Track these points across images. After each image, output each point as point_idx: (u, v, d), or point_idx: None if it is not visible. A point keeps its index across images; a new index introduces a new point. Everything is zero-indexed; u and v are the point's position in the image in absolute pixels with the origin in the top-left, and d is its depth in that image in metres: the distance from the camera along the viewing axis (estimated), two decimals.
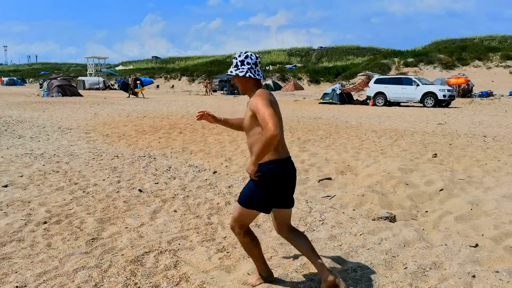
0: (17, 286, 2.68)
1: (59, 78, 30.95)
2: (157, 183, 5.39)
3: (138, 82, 28.71)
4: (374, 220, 3.97)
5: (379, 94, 21.58)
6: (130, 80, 29.29)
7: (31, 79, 66.95)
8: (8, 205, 4.33)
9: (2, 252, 3.19)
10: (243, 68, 2.47)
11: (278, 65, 58.16)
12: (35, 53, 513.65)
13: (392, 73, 39.12)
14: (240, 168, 6.18)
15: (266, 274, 2.71)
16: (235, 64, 2.50)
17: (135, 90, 27.81)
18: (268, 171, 2.39)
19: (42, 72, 72.19)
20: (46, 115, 14.37)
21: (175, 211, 4.25)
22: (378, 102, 21.57)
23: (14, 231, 3.63)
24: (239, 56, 2.50)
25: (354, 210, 4.28)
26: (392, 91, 21.20)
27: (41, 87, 33.52)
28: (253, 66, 2.48)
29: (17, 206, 4.31)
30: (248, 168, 2.35)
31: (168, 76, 54.86)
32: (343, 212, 4.23)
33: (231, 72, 2.51)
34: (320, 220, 3.99)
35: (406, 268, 2.94)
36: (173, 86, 49.76)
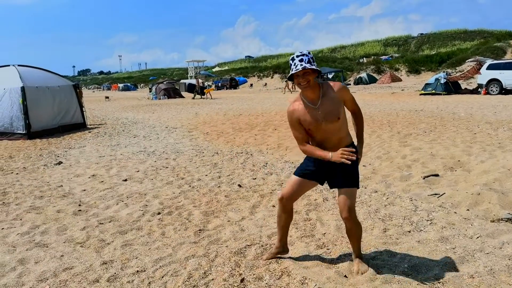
0: (137, 270, 3.00)
1: (165, 82, 33.94)
2: (255, 178, 5.56)
3: (205, 86, 30.04)
4: (493, 221, 3.54)
5: (493, 81, 19.14)
6: (196, 81, 30.94)
7: (142, 84, 74.51)
8: (128, 197, 4.89)
9: (125, 239, 3.61)
10: (315, 64, 2.58)
11: (372, 56, 55.33)
12: (144, 60, 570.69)
13: (508, 57, 34.33)
14: None
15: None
16: (307, 60, 2.54)
17: (204, 90, 29.04)
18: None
19: (150, 78, 79.97)
20: (155, 116, 15.85)
21: (273, 206, 4.33)
22: (491, 90, 19.18)
23: (134, 220, 4.08)
24: (308, 54, 2.57)
25: (468, 210, 3.87)
26: (509, 78, 18.64)
27: (150, 91, 37.15)
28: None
29: (135, 198, 4.83)
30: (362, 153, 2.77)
31: (261, 74, 56.02)
32: (455, 212, 3.86)
33: (306, 67, 2.51)
34: (427, 220, 3.70)
35: None
36: (265, 84, 50.79)
